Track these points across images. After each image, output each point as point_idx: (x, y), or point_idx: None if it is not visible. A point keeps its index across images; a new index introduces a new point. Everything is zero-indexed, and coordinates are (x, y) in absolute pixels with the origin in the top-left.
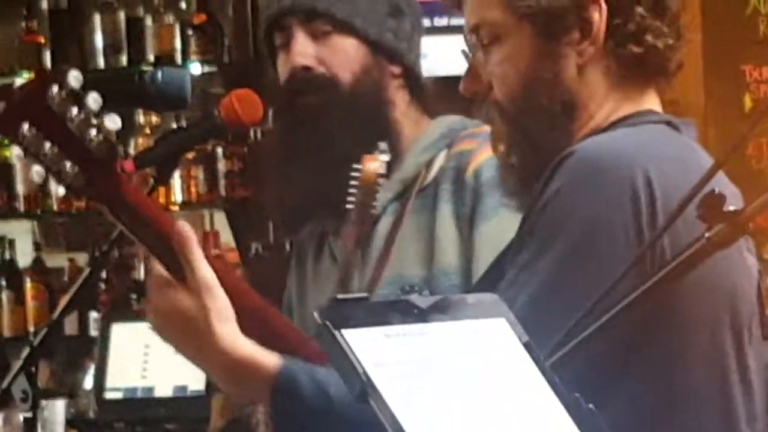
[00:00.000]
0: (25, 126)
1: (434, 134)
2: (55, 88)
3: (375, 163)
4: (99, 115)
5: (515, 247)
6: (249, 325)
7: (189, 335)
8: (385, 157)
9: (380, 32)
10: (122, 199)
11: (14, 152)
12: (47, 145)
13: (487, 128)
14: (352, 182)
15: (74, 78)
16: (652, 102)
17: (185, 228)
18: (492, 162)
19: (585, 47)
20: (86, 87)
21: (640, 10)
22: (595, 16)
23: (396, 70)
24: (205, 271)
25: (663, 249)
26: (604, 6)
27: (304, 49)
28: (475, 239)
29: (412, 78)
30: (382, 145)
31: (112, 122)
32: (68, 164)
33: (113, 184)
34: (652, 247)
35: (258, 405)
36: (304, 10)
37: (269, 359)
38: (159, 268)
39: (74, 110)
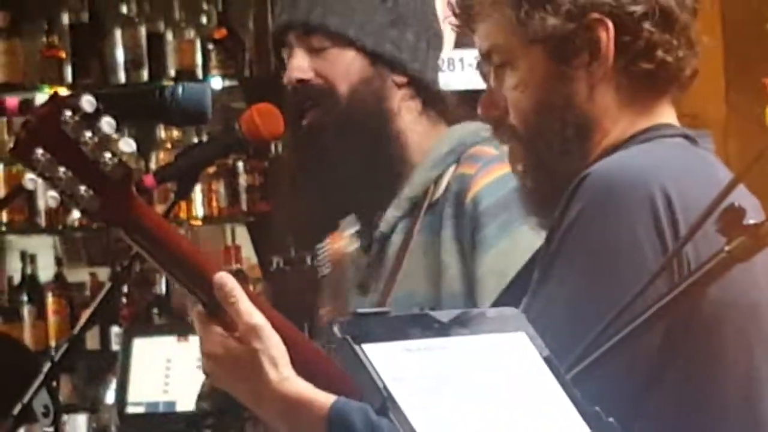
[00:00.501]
0: (39, 151)
1: (442, 149)
2: (68, 113)
3: (341, 242)
4: (113, 138)
5: (537, 271)
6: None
7: (242, 380)
8: (352, 230)
9: (378, 42)
10: (137, 222)
11: (28, 178)
12: (61, 169)
13: (490, 150)
14: (320, 261)
15: (87, 102)
16: (667, 115)
17: (225, 279)
18: (492, 188)
19: (595, 68)
20: (107, 103)
21: (647, 25)
22: (603, 36)
23: (400, 80)
24: (252, 314)
25: (689, 261)
26: (611, 25)
27: (300, 63)
28: (476, 270)
29: (421, 88)
30: (348, 220)
31: (127, 145)
32: (83, 188)
33: (128, 207)
34: (678, 261)
35: None
36: (299, 25)
37: (322, 398)
38: (198, 307)
39: (88, 134)
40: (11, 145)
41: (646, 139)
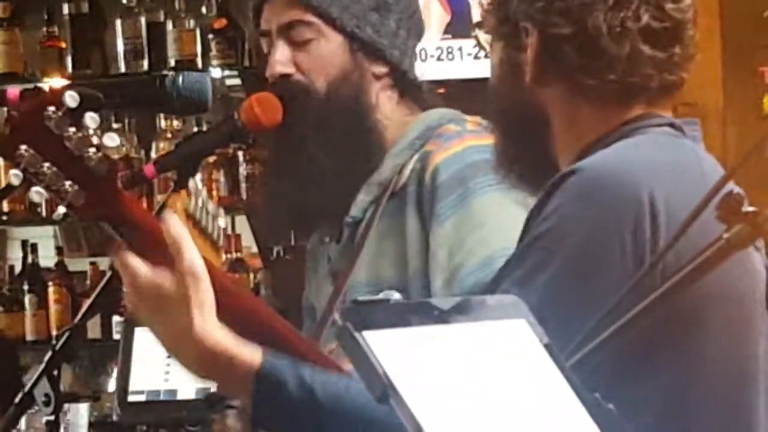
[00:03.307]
0: (23, 147)
1: (411, 136)
2: (51, 108)
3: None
4: (97, 133)
5: (512, 259)
6: (247, 328)
7: (164, 320)
8: None
9: (360, 25)
10: (123, 217)
11: (12, 173)
12: (46, 165)
13: (452, 128)
14: None
15: (70, 97)
16: (653, 103)
17: (173, 221)
18: (448, 162)
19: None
20: (107, 92)
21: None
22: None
23: (379, 70)
24: (195, 259)
25: (665, 266)
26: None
27: (281, 57)
28: (430, 242)
29: (399, 77)
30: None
31: (111, 140)
32: (67, 183)
33: (114, 201)
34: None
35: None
36: None
37: (251, 352)
38: (118, 241)
39: (72, 129)
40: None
41: (632, 131)
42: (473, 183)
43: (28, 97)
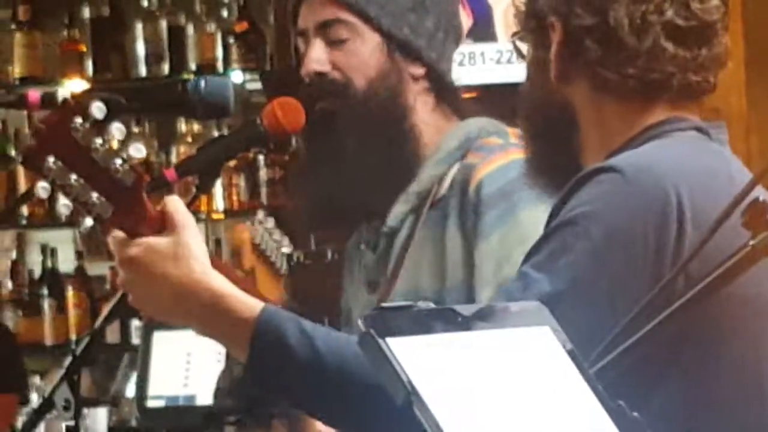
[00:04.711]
0: (50, 159)
1: (451, 145)
2: (78, 120)
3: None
4: (124, 143)
5: (535, 244)
6: None
7: (162, 275)
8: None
9: (397, 24)
10: (148, 228)
11: (41, 186)
12: (73, 177)
13: (495, 140)
14: None
15: (97, 108)
16: (679, 107)
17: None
18: (493, 176)
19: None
20: (130, 97)
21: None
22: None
23: (417, 71)
24: (184, 211)
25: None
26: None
27: (318, 55)
28: (474, 258)
29: (436, 81)
30: None
31: (137, 151)
32: (95, 195)
33: (140, 214)
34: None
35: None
36: None
37: (251, 299)
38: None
39: (98, 141)
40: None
41: (659, 134)
42: (518, 197)
43: (54, 109)
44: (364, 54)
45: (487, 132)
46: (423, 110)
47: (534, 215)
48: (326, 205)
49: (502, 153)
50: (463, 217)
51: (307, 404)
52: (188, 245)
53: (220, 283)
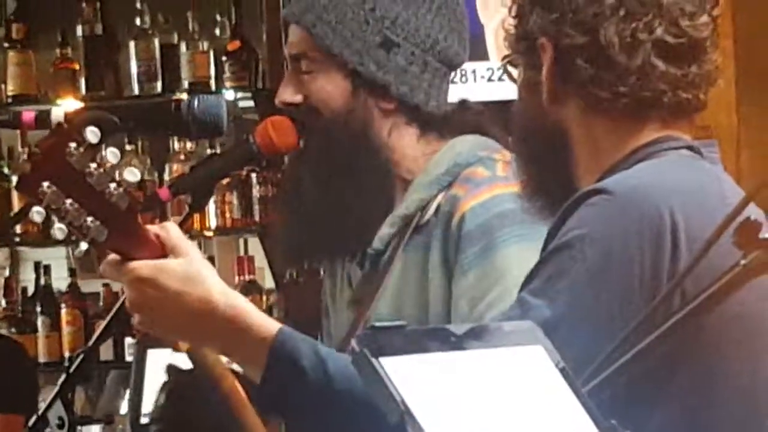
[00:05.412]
0: (45, 184)
1: (437, 171)
2: (73, 144)
3: None
4: (118, 167)
5: (532, 270)
6: None
7: (178, 296)
8: None
9: (362, 62)
10: (143, 252)
11: (35, 210)
12: (68, 201)
13: (482, 172)
14: None
15: (92, 133)
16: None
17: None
18: (476, 211)
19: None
20: (123, 116)
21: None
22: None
23: (386, 106)
24: (185, 237)
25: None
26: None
27: (287, 86)
28: (453, 290)
29: (412, 112)
30: None
31: (132, 175)
32: (89, 219)
33: (135, 237)
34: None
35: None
36: (293, 20)
37: (267, 319)
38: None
39: (93, 165)
40: (25, 156)
41: (652, 153)
42: (498, 234)
43: (49, 134)
44: (329, 88)
45: (477, 158)
46: (404, 141)
47: (510, 254)
48: (304, 230)
49: (487, 187)
50: (445, 249)
51: (313, 425)
52: (202, 266)
53: (240, 300)
